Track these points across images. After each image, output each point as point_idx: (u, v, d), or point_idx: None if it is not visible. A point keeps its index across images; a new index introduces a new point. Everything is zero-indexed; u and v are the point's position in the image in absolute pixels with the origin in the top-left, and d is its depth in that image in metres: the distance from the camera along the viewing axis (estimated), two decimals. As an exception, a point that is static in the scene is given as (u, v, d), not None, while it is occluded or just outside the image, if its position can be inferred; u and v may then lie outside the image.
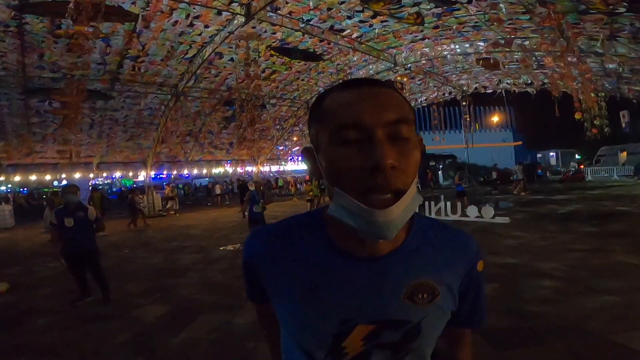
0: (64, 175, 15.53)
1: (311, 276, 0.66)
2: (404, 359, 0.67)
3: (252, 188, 7.81)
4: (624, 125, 22.00)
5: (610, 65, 11.04)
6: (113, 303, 4.91)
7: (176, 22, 9.47)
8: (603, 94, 13.17)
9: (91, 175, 17.20)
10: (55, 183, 24.98)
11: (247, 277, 0.79)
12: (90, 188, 15.73)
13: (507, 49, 11.25)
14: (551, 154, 36.87)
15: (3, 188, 23.98)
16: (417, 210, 0.67)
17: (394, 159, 0.55)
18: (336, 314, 0.64)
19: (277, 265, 0.69)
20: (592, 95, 11.15)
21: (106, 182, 35.09)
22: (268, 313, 0.82)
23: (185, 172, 20.20)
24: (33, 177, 15.15)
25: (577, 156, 34.85)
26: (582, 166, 28.79)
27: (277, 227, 0.75)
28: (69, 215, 4.66)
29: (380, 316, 0.64)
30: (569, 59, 9.82)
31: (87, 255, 4.81)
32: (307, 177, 12.42)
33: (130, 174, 18.29)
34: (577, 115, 11.07)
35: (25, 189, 30.39)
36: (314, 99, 17.87)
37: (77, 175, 16.14)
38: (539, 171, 27.62)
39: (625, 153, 24.04)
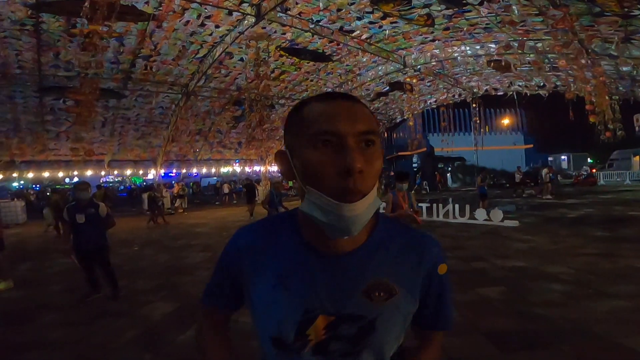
0: (76, 173, 15.77)
1: (282, 268, 0.74)
2: (361, 352, 0.72)
3: (253, 186, 7.92)
4: (637, 129, 21.54)
5: (625, 68, 10.85)
6: (121, 300, 4.97)
7: (188, 22, 9.57)
8: (617, 97, 12.95)
9: (102, 173, 17.46)
10: (67, 180, 25.45)
11: (221, 273, 0.84)
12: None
13: (520, 51, 11.14)
14: (563, 157, 36.38)
15: (16, 184, 24.41)
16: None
17: (361, 164, 0.63)
18: (301, 303, 0.71)
19: (256, 257, 0.77)
20: (606, 98, 10.96)
21: (116, 179, 35.45)
22: (219, 320, 0.92)
23: (194, 170, 20.37)
24: (46, 174, 15.40)
25: (589, 160, 34.32)
26: (594, 170, 28.35)
27: (258, 224, 0.84)
28: (80, 212, 4.72)
29: (339, 309, 0.70)
30: (583, 61, 9.68)
31: (97, 252, 4.86)
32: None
33: (141, 172, 18.52)
34: (592, 119, 10.88)
35: (38, 185, 30.90)
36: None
37: (89, 173, 16.40)
38: (551, 175, 27.18)
39: (638, 157, 23.62)
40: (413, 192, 11.68)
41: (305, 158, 0.66)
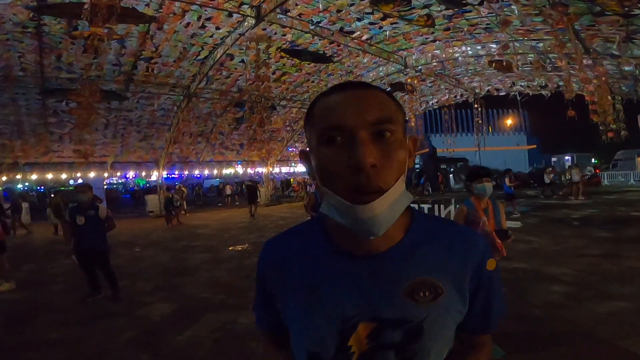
0: (79, 174, 15.83)
1: (312, 276, 0.69)
2: None
3: (255, 187, 7.83)
4: (641, 128, 21.43)
5: (627, 68, 10.79)
6: (122, 300, 4.98)
7: (188, 24, 9.61)
8: (620, 97, 12.87)
9: (105, 175, 17.53)
10: (71, 182, 25.58)
11: (260, 293, 0.79)
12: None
13: (521, 51, 11.10)
14: (566, 157, 36.12)
15: (20, 186, 24.55)
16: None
17: (374, 158, 0.57)
18: (338, 312, 0.65)
19: (285, 272, 0.72)
20: (609, 98, 10.90)
21: (120, 181, 35.61)
22: (277, 341, 0.82)
23: (197, 172, 20.40)
24: (49, 176, 15.48)
25: (593, 160, 34.13)
26: (598, 170, 28.17)
27: (285, 234, 0.78)
28: (81, 214, 4.76)
29: (379, 314, 0.64)
30: (585, 61, 9.64)
31: (97, 253, 4.88)
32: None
33: (143, 173, 18.57)
34: (595, 118, 10.82)
35: (42, 187, 31.07)
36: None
37: (92, 175, 16.46)
38: (553, 175, 27.01)
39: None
40: (502, 201, 11.22)
41: (316, 157, 0.63)
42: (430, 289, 0.65)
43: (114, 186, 34.44)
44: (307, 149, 0.69)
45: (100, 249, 4.90)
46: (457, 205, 3.23)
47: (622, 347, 3.05)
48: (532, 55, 11.38)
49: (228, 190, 24.37)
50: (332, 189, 0.60)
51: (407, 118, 21.94)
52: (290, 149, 22.41)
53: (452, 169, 30.44)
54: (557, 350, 3.08)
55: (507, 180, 12.19)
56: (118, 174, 18.41)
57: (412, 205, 0.69)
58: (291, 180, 31.01)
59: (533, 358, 3.01)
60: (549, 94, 15.67)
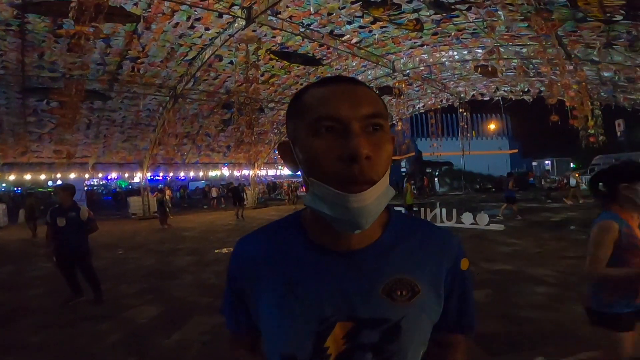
0: (59, 175, 15.43)
1: (289, 274, 0.67)
2: None
3: (238, 190, 7.73)
4: (619, 134, 22.13)
5: (606, 74, 11.14)
6: (105, 303, 4.87)
7: (177, 24, 9.50)
8: (598, 102, 13.27)
9: (86, 176, 17.13)
10: (50, 183, 24.88)
11: (230, 292, 0.76)
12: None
13: (504, 57, 11.35)
14: (546, 162, 37.03)
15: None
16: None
17: (368, 149, 0.57)
18: (315, 311, 0.64)
19: (260, 269, 0.70)
20: (589, 103, 11.22)
21: (101, 182, 34.85)
22: (246, 343, 0.82)
23: (182, 174, 20.13)
24: (28, 177, 15.05)
25: (572, 165, 35.06)
26: (577, 175, 28.92)
27: (260, 231, 0.77)
28: (62, 215, 4.66)
29: (357, 312, 0.63)
30: (566, 67, 9.90)
31: (78, 256, 4.79)
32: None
33: (126, 175, 18.22)
34: (575, 123, 11.10)
35: (19, 188, 30.18)
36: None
37: (73, 176, 16.06)
38: (531, 179, 27.74)
39: (620, 162, 24.19)
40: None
41: (306, 147, 0.61)
42: (407, 288, 0.65)
43: (95, 188, 33.63)
44: (286, 139, 0.69)
45: (81, 251, 4.80)
46: (597, 221, 1.93)
47: (604, 345, 3.12)
48: (515, 60, 11.65)
49: (214, 193, 24.14)
50: (322, 180, 0.59)
51: (394, 122, 22.25)
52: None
53: (437, 173, 30.87)
54: (543, 350, 3.14)
55: (510, 184, 12.04)
56: (100, 175, 17.99)
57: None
58: (277, 182, 30.87)
59: (518, 358, 3.06)
60: (531, 99, 16.06)
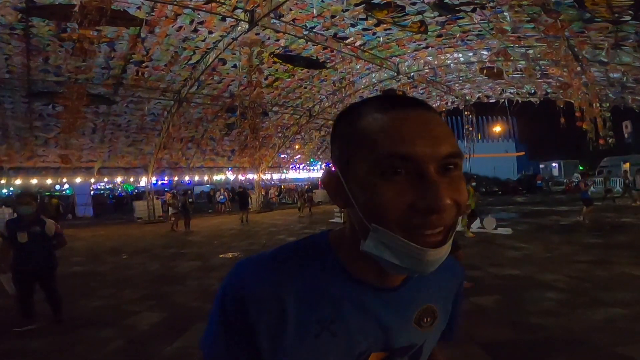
0: (64, 180, 15.51)
1: (324, 311, 0.59)
2: None
3: (246, 194, 7.64)
4: (626, 135, 21.81)
5: (614, 75, 10.99)
6: (107, 309, 4.82)
7: (180, 27, 9.52)
8: (607, 104, 13.10)
9: (92, 180, 17.21)
10: (57, 187, 25.05)
11: (232, 331, 0.59)
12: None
13: (512, 59, 11.24)
14: (553, 164, 36.72)
15: (5, 191, 23.98)
16: None
17: (449, 198, 0.50)
18: (352, 347, 0.59)
19: (285, 307, 0.57)
20: (597, 105, 11.07)
21: (107, 187, 34.99)
22: None
23: (187, 178, 20.18)
24: (34, 181, 15.14)
25: (579, 167, 34.71)
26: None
27: (282, 263, 0.62)
28: (23, 229, 4.04)
29: (393, 344, 0.63)
30: (574, 68, 9.78)
31: (41, 273, 4.20)
32: None
33: (132, 179, 18.28)
34: (585, 126, 10.94)
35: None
36: (316, 107, 18.05)
37: (78, 180, 16.15)
38: (539, 182, 27.45)
39: (628, 164, 23.89)
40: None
41: (369, 188, 0.51)
42: (431, 315, 0.68)
43: (101, 192, 33.82)
44: (334, 168, 0.59)
45: (47, 267, 4.23)
46: None
47: (619, 353, 3.04)
48: (522, 62, 11.53)
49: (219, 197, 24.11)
50: (389, 228, 0.51)
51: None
52: (282, 155, 22.33)
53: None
54: (555, 358, 3.05)
55: (581, 185, 11.07)
56: (105, 179, 18.08)
57: None
58: (282, 187, 30.73)
59: (531, 366, 2.96)
60: (538, 101, 15.91)
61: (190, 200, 19.83)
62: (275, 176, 24.51)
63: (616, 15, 7.40)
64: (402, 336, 0.64)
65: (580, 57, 9.54)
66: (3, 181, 14.56)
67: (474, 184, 10.67)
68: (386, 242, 0.51)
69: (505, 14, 8.42)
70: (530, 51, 10.77)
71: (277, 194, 26.59)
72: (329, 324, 0.58)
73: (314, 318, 0.58)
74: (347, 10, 9.08)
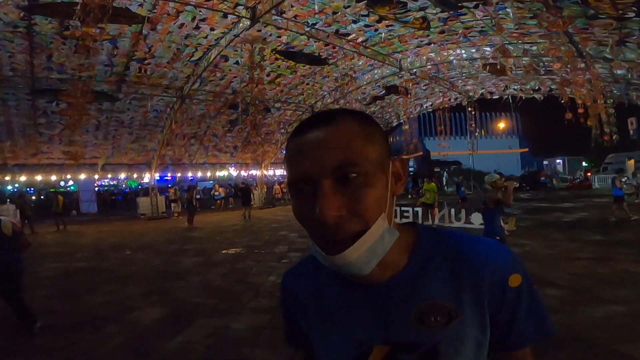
0: (69, 176, 15.61)
1: (327, 304, 0.71)
2: None
3: (249, 189, 7.65)
4: (631, 132, 21.66)
5: (619, 71, 10.90)
6: (110, 305, 4.86)
7: (182, 24, 9.53)
8: (611, 100, 13.02)
9: (96, 176, 17.31)
10: (62, 184, 25.21)
11: (285, 318, 0.82)
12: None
13: (512, 55, 11.17)
14: (558, 161, 36.53)
15: (10, 188, 24.17)
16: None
17: (336, 209, 0.54)
18: (351, 337, 0.66)
19: (304, 302, 0.75)
20: (602, 102, 11.00)
21: (112, 183, 35.17)
22: (307, 358, 0.84)
23: (190, 174, 20.25)
24: (38, 178, 15.26)
25: (584, 163, 34.52)
26: (589, 174, 28.49)
27: (301, 265, 0.80)
28: None
29: (391, 337, 0.64)
30: (578, 64, 9.72)
31: (2, 279, 3.82)
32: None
33: (135, 175, 18.38)
34: (590, 122, 10.86)
35: (32, 189, 30.66)
36: (318, 103, 18.03)
37: (82, 176, 16.25)
38: (542, 178, 27.32)
39: (633, 161, 23.74)
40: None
41: (293, 207, 0.61)
42: (442, 313, 0.63)
43: (106, 188, 34.00)
44: None
45: (8, 272, 3.82)
46: None
47: (619, 351, 3.04)
48: (526, 58, 11.46)
49: (222, 193, 24.15)
50: (311, 238, 0.60)
51: (402, 121, 22.05)
52: (285, 152, 22.33)
53: (445, 172, 30.62)
54: (555, 355, 3.05)
55: (617, 182, 10.44)
56: (109, 175, 18.18)
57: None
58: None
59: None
60: (542, 98, 15.82)
61: (199, 196, 19.98)
62: (278, 172, 24.54)
63: (620, 12, 7.33)
64: (399, 330, 0.64)
65: (584, 53, 9.47)
66: (8, 178, 14.68)
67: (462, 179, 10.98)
68: (315, 249, 0.60)
69: (508, 10, 8.36)
70: (534, 47, 10.70)
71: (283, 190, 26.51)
72: (331, 315, 0.70)
73: (318, 313, 0.72)
74: (349, 6, 9.04)
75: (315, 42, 11.01)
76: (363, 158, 0.56)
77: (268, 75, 13.03)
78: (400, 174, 0.63)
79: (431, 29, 10.29)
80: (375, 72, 14.70)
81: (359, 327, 0.66)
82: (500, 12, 8.61)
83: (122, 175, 18.56)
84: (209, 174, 20.38)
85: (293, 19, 9.68)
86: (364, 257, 0.56)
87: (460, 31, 10.40)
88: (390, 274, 0.64)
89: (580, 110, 10.81)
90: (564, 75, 11.02)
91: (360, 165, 0.56)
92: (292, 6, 9.04)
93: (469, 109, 18.95)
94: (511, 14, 8.51)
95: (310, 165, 0.56)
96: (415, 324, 0.63)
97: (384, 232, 0.57)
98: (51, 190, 26.12)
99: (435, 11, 9.12)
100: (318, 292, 0.73)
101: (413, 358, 0.62)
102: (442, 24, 9.92)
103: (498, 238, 4.43)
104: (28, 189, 31.05)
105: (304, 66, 13.17)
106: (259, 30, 9.93)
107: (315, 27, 10.21)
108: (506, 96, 17.00)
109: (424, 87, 17.05)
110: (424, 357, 0.62)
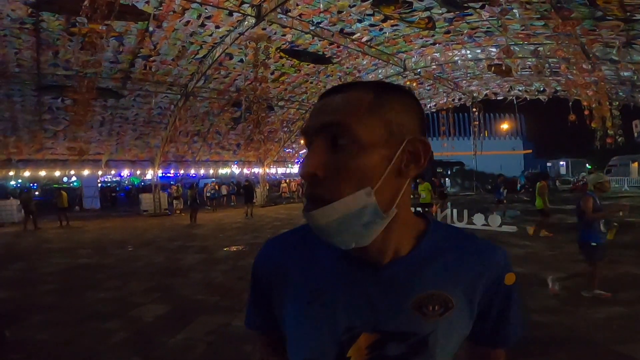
0: (72, 172, 15.67)
1: (317, 281, 0.65)
2: None
3: (252, 187, 7.69)
4: (636, 135, 21.52)
5: (625, 73, 10.84)
6: (113, 301, 4.89)
7: (188, 22, 9.54)
8: (617, 102, 12.94)
9: (99, 173, 17.38)
10: (65, 179, 25.30)
11: (254, 291, 0.74)
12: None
13: (516, 56, 11.12)
14: (561, 163, 36.33)
15: (13, 183, 24.32)
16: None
17: (314, 167, 0.55)
18: (340, 320, 0.62)
19: (287, 274, 0.68)
20: (607, 104, 10.93)
21: (114, 179, 35.32)
22: (269, 343, 0.77)
23: (193, 172, 20.30)
24: (42, 173, 15.34)
25: (587, 166, 34.31)
26: (592, 176, 28.27)
27: (287, 236, 0.74)
28: None
29: (384, 326, 0.61)
30: (584, 66, 9.66)
31: None
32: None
33: (138, 172, 18.44)
34: (594, 124, 10.81)
35: (35, 184, 30.79)
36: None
37: (86, 172, 16.32)
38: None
39: (636, 163, 23.61)
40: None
41: None
42: (440, 303, 0.62)
43: (109, 184, 34.14)
44: None
45: None
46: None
47: (618, 352, 3.06)
48: (531, 59, 11.41)
49: (224, 191, 24.21)
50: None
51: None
52: (287, 150, 22.36)
53: (448, 173, 30.53)
54: (556, 355, 3.07)
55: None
56: (113, 172, 18.25)
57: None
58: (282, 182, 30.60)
59: (532, 364, 2.98)
60: (546, 99, 15.75)
61: (209, 194, 20.00)
62: (280, 170, 24.56)
63: (628, 13, 7.29)
64: (393, 319, 0.61)
65: (590, 55, 9.42)
66: (12, 173, 14.77)
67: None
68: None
69: (514, 11, 8.32)
70: (540, 48, 10.65)
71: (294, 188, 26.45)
72: (320, 294, 0.64)
73: (307, 286, 0.65)
74: (354, 5, 9.03)
75: (319, 40, 11.00)
76: (359, 126, 0.55)
77: (272, 73, 13.02)
78: (420, 156, 0.59)
79: (436, 29, 10.27)
80: (380, 71, 14.68)
81: (352, 310, 0.62)
82: (504, 12, 8.57)
83: (126, 172, 18.62)
84: (211, 171, 20.42)
85: (298, 17, 9.68)
86: (335, 227, 0.55)
87: (465, 31, 10.37)
88: (396, 256, 0.63)
89: (586, 112, 10.75)
90: (570, 77, 10.97)
91: (351, 132, 0.55)
92: (297, 5, 9.04)
93: (473, 109, 18.88)
94: (517, 15, 8.48)
95: (311, 124, 0.59)
96: (411, 311, 0.61)
97: (363, 209, 0.55)
98: (54, 185, 26.23)
99: (440, 11, 9.09)
100: (311, 264, 0.67)
101: (401, 348, 0.61)
102: (447, 24, 9.89)
103: (594, 244, 4.21)
104: (31, 185, 31.24)
105: (308, 65, 13.17)
106: (264, 29, 9.93)
107: (320, 25, 10.20)
108: (510, 97, 16.93)
109: (428, 87, 17.00)
110: (412, 348, 0.61)
